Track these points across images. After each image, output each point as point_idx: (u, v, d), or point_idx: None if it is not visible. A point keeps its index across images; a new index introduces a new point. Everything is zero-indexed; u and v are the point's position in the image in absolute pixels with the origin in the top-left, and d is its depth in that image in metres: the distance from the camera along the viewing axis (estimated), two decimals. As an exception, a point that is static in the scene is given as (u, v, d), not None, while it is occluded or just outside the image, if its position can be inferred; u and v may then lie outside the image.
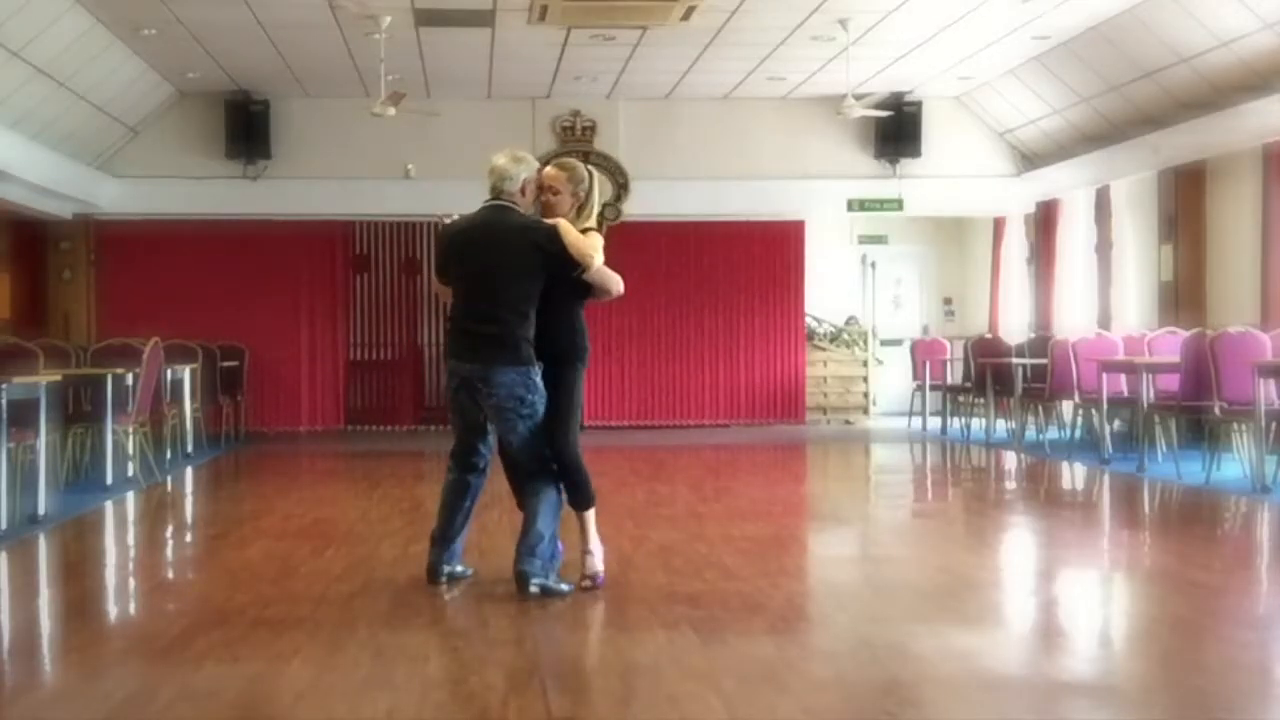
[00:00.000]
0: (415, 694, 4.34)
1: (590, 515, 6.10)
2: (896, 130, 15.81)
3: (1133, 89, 13.06)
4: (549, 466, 5.98)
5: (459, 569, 6.19)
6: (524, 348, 5.86)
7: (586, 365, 6.13)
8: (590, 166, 6.34)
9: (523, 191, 6.03)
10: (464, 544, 6.22)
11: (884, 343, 17.72)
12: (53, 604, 6.20)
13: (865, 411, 16.92)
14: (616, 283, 6.02)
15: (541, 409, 5.91)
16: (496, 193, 6.03)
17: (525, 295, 5.87)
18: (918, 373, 15.88)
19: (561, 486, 6.02)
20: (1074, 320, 15.16)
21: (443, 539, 6.12)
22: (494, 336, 5.85)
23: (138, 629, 5.69)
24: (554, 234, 5.87)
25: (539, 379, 5.90)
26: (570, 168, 6.15)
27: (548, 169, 6.14)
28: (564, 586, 5.87)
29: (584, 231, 5.98)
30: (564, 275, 5.89)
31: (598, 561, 6.06)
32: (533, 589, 5.77)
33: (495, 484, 6.25)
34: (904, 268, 18.60)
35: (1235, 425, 10.24)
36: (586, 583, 5.97)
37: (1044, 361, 12.61)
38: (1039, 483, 10.94)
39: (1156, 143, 13.04)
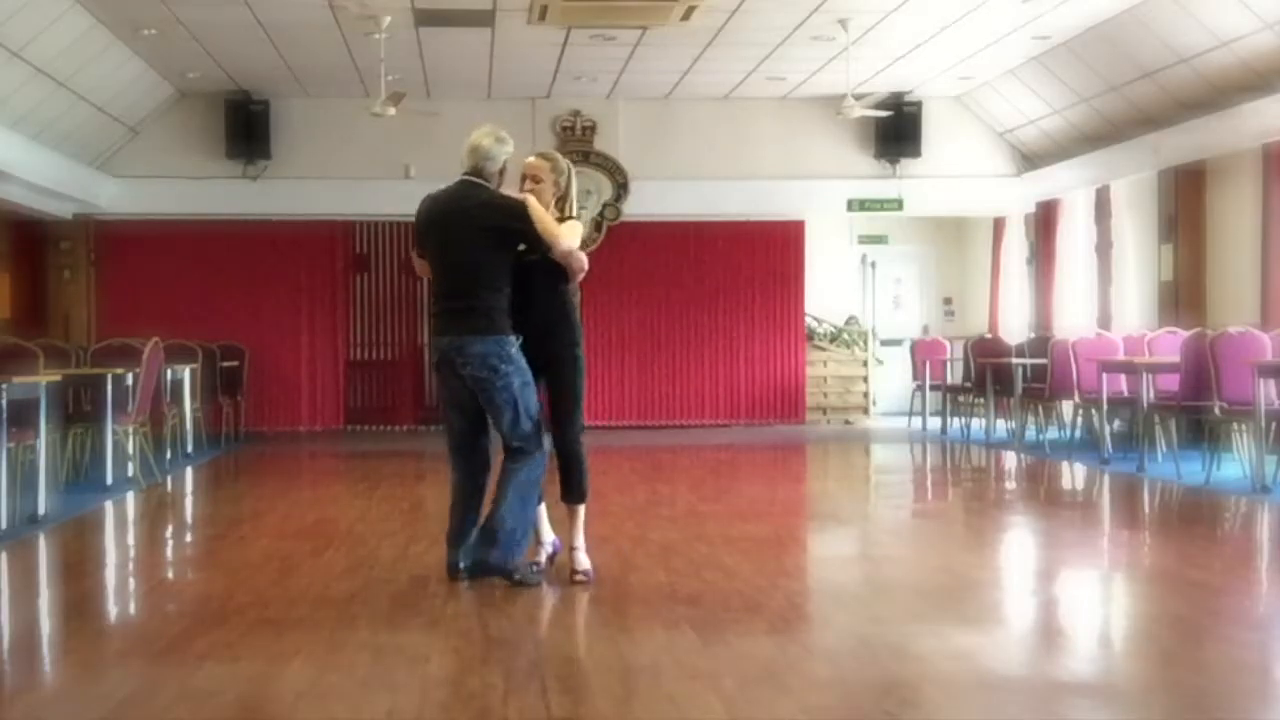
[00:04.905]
0: (415, 694, 4.33)
1: (582, 510, 6.10)
2: (896, 130, 15.80)
3: (1133, 89, 13.06)
4: (533, 449, 5.93)
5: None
6: (497, 318, 5.87)
7: (581, 345, 6.09)
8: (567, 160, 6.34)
9: (501, 172, 6.06)
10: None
11: (884, 343, 17.72)
12: (53, 604, 6.19)
13: (865, 411, 16.92)
14: (580, 261, 5.97)
15: (518, 382, 5.88)
16: (475, 171, 6.04)
17: (494, 269, 5.89)
18: (918, 373, 15.88)
19: (542, 473, 5.97)
20: (1074, 320, 15.15)
21: (457, 540, 6.08)
22: (466, 309, 5.88)
23: (138, 629, 5.68)
24: (520, 210, 5.89)
25: (515, 350, 5.88)
26: (553, 158, 6.21)
27: (531, 159, 6.16)
28: (519, 576, 5.86)
29: (563, 220, 5.98)
30: (529, 249, 5.88)
31: (586, 558, 6.07)
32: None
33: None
34: (904, 268, 18.60)
35: (1235, 425, 10.24)
36: (580, 578, 5.98)
37: (1044, 361, 12.61)
38: (1039, 483, 10.93)
39: (1156, 143, 13.04)
